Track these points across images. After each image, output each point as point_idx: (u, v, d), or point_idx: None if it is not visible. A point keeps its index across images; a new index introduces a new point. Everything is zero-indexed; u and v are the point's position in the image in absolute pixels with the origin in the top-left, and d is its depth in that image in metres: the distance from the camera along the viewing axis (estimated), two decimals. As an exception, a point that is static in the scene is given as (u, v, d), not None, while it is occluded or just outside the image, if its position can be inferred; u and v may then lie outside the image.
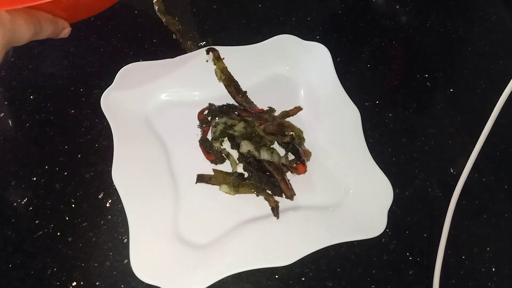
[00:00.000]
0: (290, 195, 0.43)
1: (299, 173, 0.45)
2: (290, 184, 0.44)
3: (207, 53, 0.50)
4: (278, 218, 0.42)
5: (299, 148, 0.45)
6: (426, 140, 0.50)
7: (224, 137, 0.46)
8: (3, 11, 0.33)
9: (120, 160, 0.43)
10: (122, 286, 0.40)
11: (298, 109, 0.49)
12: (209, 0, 0.58)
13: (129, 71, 0.47)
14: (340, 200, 0.44)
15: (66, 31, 0.42)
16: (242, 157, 0.45)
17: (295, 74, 0.51)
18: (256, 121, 0.47)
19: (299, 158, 0.45)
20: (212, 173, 0.45)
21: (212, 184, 0.44)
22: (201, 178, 0.44)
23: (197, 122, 0.48)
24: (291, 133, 0.47)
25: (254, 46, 0.51)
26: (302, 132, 0.48)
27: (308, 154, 0.46)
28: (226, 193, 0.43)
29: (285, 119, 0.48)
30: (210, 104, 0.49)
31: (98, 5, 0.47)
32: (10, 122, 0.47)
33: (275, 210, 0.42)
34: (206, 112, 0.48)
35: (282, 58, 0.51)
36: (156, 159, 0.45)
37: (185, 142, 0.47)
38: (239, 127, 0.46)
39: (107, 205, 0.43)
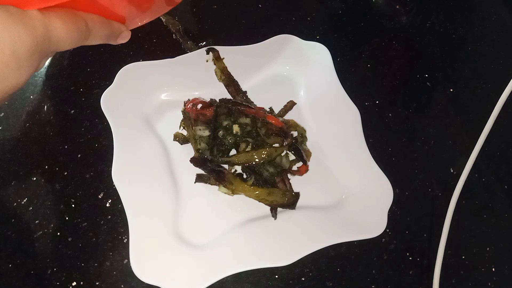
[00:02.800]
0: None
1: (301, 174, 0.45)
2: (290, 184, 0.44)
3: (207, 53, 0.50)
4: (275, 218, 0.42)
5: (301, 149, 0.45)
6: (426, 140, 0.50)
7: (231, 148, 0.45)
8: (34, 12, 0.27)
9: (120, 160, 0.43)
10: (122, 286, 0.40)
11: (292, 103, 0.49)
12: (209, 0, 0.58)
13: (129, 71, 0.47)
14: (340, 200, 0.44)
15: (125, 35, 0.35)
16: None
17: (295, 74, 0.51)
18: (259, 121, 0.46)
19: (302, 158, 0.45)
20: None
21: (211, 184, 0.44)
22: (200, 178, 0.44)
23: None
24: (293, 133, 0.47)
25: (254, 46, 0.51)
26: (305, 131, 0.48)
27: (308, 154, 0.46)
28: (225, 193, 0.43)
29: (289, 118, 0.48)
30: (212, 99, 0.48)
31: (159, 7, 0.38)
32: (10, 122, 0.47)
33: (273, 211, 0.42)
34: (200, 106, 0.47)
35: (282, 58, 0.51)
36: (156, 159, 0.45)
37: (185, 142, 0.47)
38: (237, 128, 0.45)
39: (107, 205, 0.43)
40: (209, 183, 0.44)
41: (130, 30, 0.36)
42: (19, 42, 0.26)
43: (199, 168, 0.44)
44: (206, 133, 0.45)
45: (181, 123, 0.47)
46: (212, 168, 0.43)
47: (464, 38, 0.59)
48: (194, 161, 0.44)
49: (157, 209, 0.42)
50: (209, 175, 0.44)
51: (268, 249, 0.40)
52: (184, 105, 0.47)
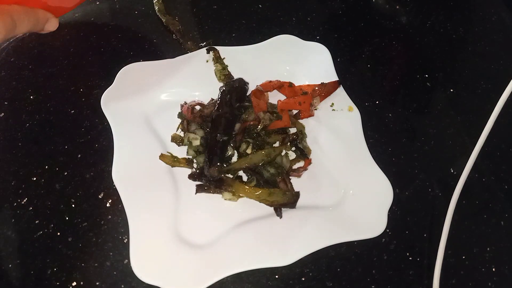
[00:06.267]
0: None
1: (305, 169, 0.45)
2: (291, 184, 0.44)
3: (208, 52, 0.50)
4: (281, 217, 0.42)
5: (301, 146, 0.45)
6: (426, 140, 0.50)
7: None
8: None
9: (120, 160, 0.43)
10: (122, 286, 0.40)
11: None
12: (209, 0, 0.58)
13: (129, 71, 0.47)
14: (340, 200, 0.44)
15: (52, 22, 0.36)
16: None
17: (295, 74, 0.51)
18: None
19: (302, 152, 0.45)
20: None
21: (212, 193, 0.43)
22: (201, 188, 0.43)
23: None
24: (292, 130, 0.47)
25: (254, 46, 0.51)
26: (304, 127, 0.48)
27: (308, 151, 0.46)
28: (230, 200, 0.43)
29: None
30: (212, 99, 0.48)
31: None
32: (10, 122, 0.47)
33: (278, 210, 0.42)
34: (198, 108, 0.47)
35: (282, 58, 0.51)
36: (156, 159, 0.45)
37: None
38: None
39: (107, 205, 0.43)
40: (210, 192, 0.43)
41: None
42: None
43: (198, 181, 0.44)
44: (201, 133, 0.45)
45: (179, 125, 0.47)
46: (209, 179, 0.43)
47: (464, 38, 0.59)
48: (192, 177, 0.43)
49: (157, 209, 0.42)
50: (209, 185, 0.43)
51: (268, 249, 0.40)
52: (181, 109, 0.47)
